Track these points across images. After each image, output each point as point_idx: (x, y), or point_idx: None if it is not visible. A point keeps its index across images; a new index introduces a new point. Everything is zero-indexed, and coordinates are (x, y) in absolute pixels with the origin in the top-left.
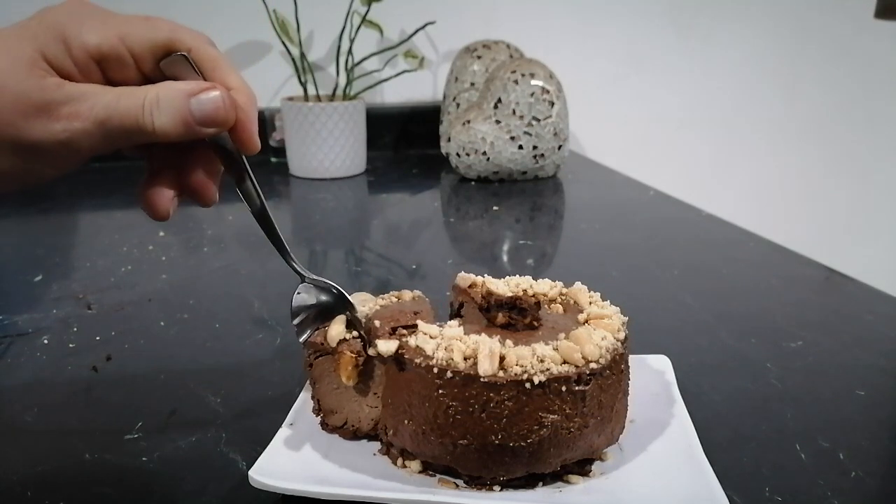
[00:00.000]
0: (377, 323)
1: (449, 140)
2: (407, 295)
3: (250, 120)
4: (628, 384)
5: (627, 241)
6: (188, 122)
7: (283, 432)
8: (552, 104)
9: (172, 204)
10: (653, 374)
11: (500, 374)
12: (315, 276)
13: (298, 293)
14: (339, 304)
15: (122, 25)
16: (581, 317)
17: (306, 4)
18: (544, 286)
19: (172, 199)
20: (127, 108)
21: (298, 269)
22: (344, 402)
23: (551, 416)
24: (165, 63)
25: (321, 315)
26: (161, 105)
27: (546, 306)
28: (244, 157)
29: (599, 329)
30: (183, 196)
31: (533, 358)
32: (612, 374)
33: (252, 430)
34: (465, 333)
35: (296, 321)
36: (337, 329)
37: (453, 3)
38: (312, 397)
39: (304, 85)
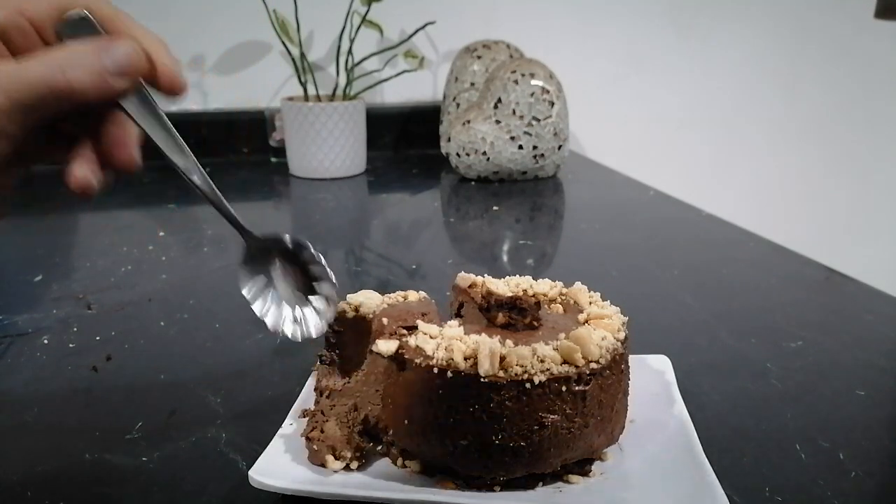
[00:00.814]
0: (385, 321)
1: (449, 140)
2: (413, 296)
3: (167, 62)
4: (628, 384)
5: (627, 241)
6: (103, 75)
7: (283, 432)
8: (552, 104)
9: (95, 176)
10: (653, 374)
11: (501, 374)
12: (256, 236)
13: (245, 285)
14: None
15: None
16: (581, 317)
17: (306, 4)
18: (544, 286)
19: (93, 169)
20: (38, 73)
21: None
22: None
23: (551, 416)
24: (62, 25)
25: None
26: (73, 62)
27: (546, 306)
28: (163, 115)
29: (599, 329)
30: (105, 167)
31: (533, 358)
32: (613, 374)
33: (252, 430)
34: (465, 333)
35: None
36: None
37: (453, 3)
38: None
39: (304, 85)
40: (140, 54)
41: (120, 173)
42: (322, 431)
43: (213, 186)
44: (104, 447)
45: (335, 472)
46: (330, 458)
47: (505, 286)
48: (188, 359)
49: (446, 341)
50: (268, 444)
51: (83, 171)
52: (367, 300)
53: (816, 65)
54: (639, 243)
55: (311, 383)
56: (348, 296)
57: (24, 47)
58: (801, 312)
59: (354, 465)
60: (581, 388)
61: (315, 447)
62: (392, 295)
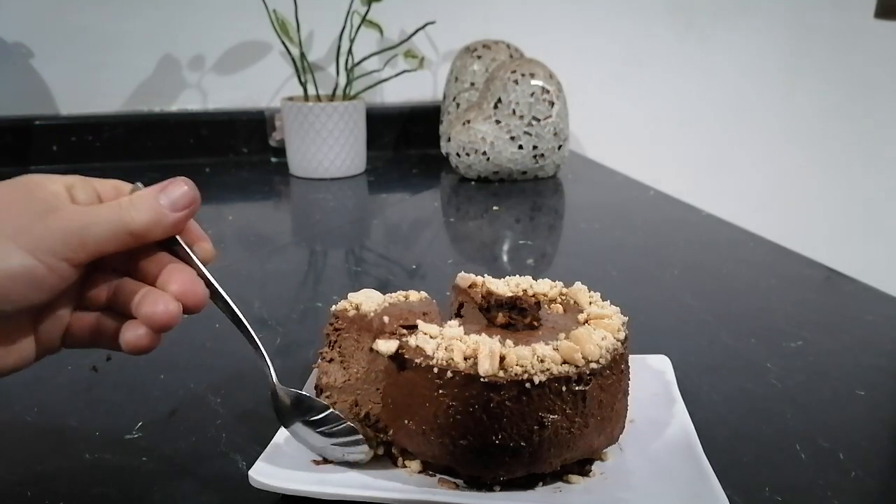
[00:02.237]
0: (386, 319)
1: (449, 140)
2: (414, 296)
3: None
4: (628, 384)
5: (627, 241)
6: (160, 210)
7: (283, 432)
8: (552, 104)
9: (148, 336)
10: (653, 374)
11: (501, 374)
12: (284, 388)
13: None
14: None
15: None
16: (581, 317)
17: (306, 4)
18: (544, 286)
19: (145, 332)
20: (104, 213)
21: (271, 374)
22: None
23: (551, 416)
24: None
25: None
26: (135, 202)
27: (546, 306)
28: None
29: (599, 329)
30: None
31: (533, 358)
32: (613, 374)
33: (252, 430)
34: (465, 333)
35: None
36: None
37: (453, 3)
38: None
39: (304, 85)
40: (194, 191)
41: (191, 311)
42: None
43: (251, 331)
44: (104, 447)
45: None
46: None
47: (505, 286)
48: (188, 359)
49: (446, 341)
50: (268, 444)
51: (132, 333)
52: (368, 299)
53: (816, 65)
54: (639, 243)
55: (312, 381)
56: (349, 294)
57: None
58: (801, 312)
59: (381, 450)
60: (581, 388)
61: None
62: (394, 294)
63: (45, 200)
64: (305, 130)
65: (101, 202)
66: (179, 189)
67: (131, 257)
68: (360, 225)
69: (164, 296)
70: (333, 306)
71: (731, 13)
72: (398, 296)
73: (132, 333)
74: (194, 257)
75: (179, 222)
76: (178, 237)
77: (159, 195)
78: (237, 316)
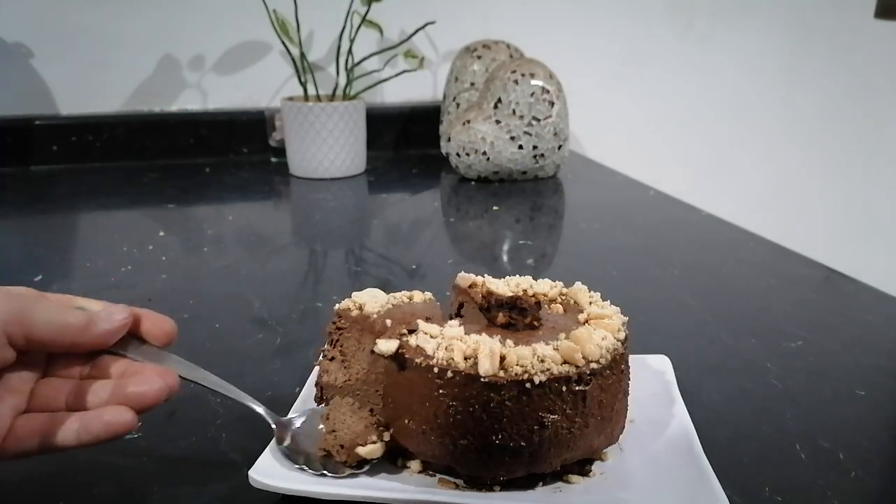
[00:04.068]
0: (388, 322)
1: (449, 140)
2: (418, 296)
3: (156, 317)
4: (628, 384)
5: (627, 241)
6: (93, 318)
7: None
8: (552, 104)
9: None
10: (653, 374)
11: (501, 373)
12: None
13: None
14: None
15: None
16: (581, 317)
17: (306, 4)
18: (544, 286)
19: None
20: (55, 307)
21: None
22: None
23: (552, 416)
24: None
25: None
26: (81, 308)
27: (546, 306)
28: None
29: (599, 329)
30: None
31: (533, 358)
32: (613, 374)
33: (252, 430)
34: (465, 333)
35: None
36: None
37: (453, 3)
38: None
39: (304, 85)
40: (129, 318)
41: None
42: (335, 435)
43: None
44: (104, 447)
45: (375, 457)
46: (361, 449)
47: (505, 286)
48: (188, 359)
49: (446, 341)
50: (268, 444)
51: (114, 414)
52: (372, 298)
53: (816, 65)
54: (639, 243)
55: (312, 379)
56: (353, 294)
57: None
58: (801, 312)
59: (386, 436)
60: (581, 388)
61: (336, 451)
62: (398, 295)
63: (10, 288)
64: (305, 130)
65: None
66: (120, 312)
67: (91, 364)
68: (360, 225)
69: (147, 376)
70: (337, 305)
71: (731, 13)
72: (402, 296)
73: (113, 414)
74: (141, 358)
75: (108, 334)
76: (126, 349)
77: (102, 310)
78: (217, 388)
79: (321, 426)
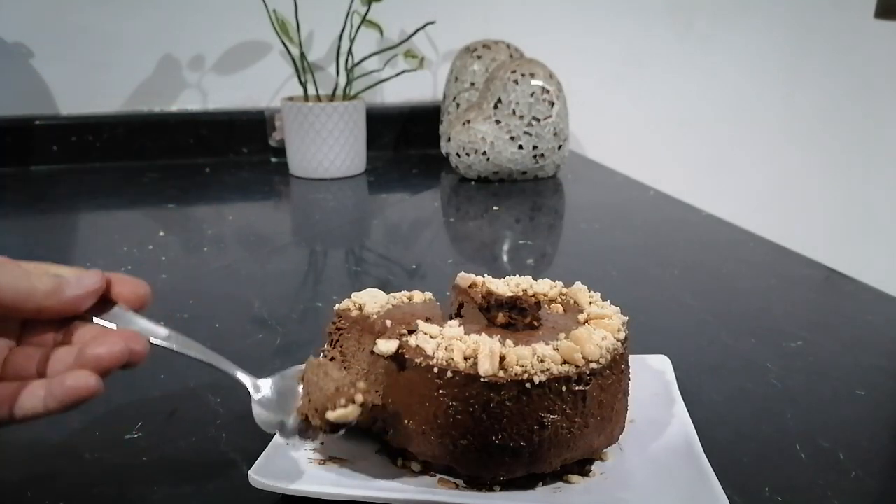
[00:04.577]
0: (388, 323)
1: (449, 140)
2: (418, 297)
3: (128, 279)
4: (628, 384)
5: (627, 241)
6: (61, 284)
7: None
8: (552, 104)
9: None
10: (653, 374)
11: (501, 373)
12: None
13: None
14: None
15: None
16: (581, 317)
17: (306, 4)
18: (544, 286)
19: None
20: (18, 271)
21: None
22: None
23: (551, 416)
24: None
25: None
26: (47, 274)
27: (546, 306)
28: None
29: (599, 329)
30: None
31: (533, 358)
32: (613, 374)
33: (252, 430)
34: (465, 333)
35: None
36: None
37: (453, 3)
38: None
39: (304, 85)
40: (101, 283)
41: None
42: (309, 399)
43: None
44: (104, 447)
45: (349, 422)
46: (330, 414)
47: (505, 286)
48: (188, 359)
49: (446, 341)
50: (268, 444)
51: (76, 378)
52: (372, 299)
53: (816, 65)
54: (639, 243)
55: None
56: (353, 294)
57: None
58: (801, 312)
59: (359, 397)
60: (581, 388)
61: (311, 415)
62: (398, 295)
63: None
64: (305, 130)
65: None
66: (90, 277)
67: (65, 332)
68: (360, 225)
69: (109, 338)
70: (337, 305)
71: (731, 13)
72: (402, 296)
73: (76, 379)
74: (110, 324)
75: (78, 299)
76: (98, 314)
77: (72, 275)
78: (191, 353)
79: (300, 387)
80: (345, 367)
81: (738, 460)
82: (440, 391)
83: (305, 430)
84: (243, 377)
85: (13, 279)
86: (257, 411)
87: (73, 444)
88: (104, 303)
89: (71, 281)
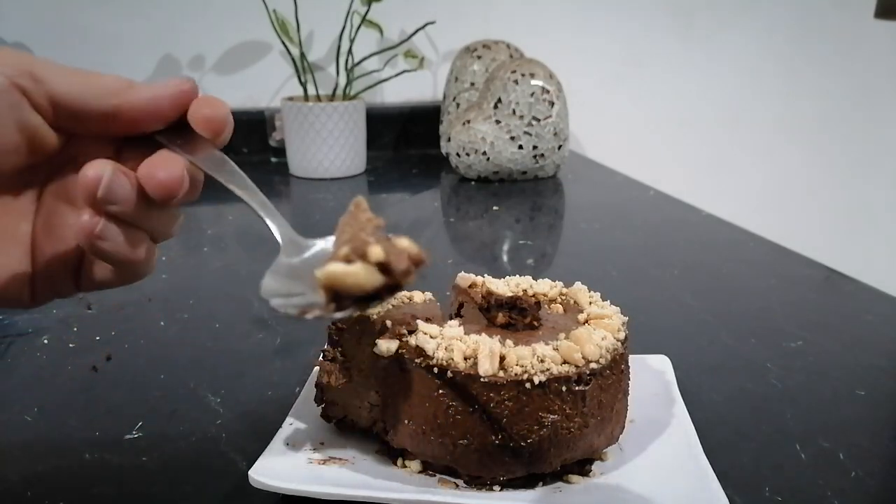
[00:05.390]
0: (388, 323)
1: (449, 140)
2: (418, 296)
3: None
4: (628, 384)
5: (627, 241)
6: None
7: (282, 432)
8: (552, 104)
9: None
10: (653, 374)
11: (501, 373)
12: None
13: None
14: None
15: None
16: (581, 317)
17: (306, 4)
18: (544, 286)
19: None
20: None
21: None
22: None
23: (551, 416)
24: None
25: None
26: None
27: (546, 306)
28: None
29: (599, 329)
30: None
31: (533, 358)
32: (613, 374)
33: (252, 430)
34: (465, 333)
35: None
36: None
37: (453, 3)
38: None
39: (304, 85)
40: (193, 85)
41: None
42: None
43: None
44: (104, 447)
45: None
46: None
47: (505, 286)
48: (188, 359)
49: (446, 341)
50: (268, 444)
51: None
52: None
53: (816, 65)
54: (639, 243)
55: (312, 379)
56: None
57: None
58: (801, 312)
59: (320, 296)
60: (581, 388)
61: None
62: (398, 295)
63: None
64: (305, 130)
65: None
66: (179, 79)
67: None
68: None
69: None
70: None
71: (732, 14)
72: (402, 296)
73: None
74: (178, 150)
75: (158, 100)
76: (167, 136)
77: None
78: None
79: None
80: (345, 368)
81: (738, 460)
82: (440, 391)
83: (312, 304)
84: (278, 232)
85: (67, 73)
86: (268, 280)
87: (73, 444)
88: (180, 127)
89: (151, 84)
